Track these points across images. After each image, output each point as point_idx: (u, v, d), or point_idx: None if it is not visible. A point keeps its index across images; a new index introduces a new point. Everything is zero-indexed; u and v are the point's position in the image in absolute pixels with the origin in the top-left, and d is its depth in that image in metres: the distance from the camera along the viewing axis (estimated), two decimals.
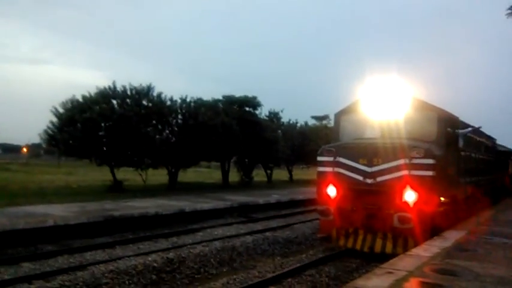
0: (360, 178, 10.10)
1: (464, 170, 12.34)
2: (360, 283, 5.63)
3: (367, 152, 10.07)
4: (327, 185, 10.62)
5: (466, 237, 9.21)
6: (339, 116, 12.02)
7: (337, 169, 10.49)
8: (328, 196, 10.61)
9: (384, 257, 8.61)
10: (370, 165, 9.97)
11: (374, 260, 9.51)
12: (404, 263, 6.76)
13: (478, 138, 14.88)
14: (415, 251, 7.83)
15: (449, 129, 10.89)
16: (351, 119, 11.66)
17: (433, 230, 9.63)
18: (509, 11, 7.58)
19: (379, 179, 9.84)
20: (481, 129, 14.90)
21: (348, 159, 10.33)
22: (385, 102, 10.73)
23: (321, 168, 10.95)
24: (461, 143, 11.70)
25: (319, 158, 10.97)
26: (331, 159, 10.60)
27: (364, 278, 5.87)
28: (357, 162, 10.16)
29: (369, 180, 9.97)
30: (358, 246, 10.13)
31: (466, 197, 12.69)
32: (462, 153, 12.07)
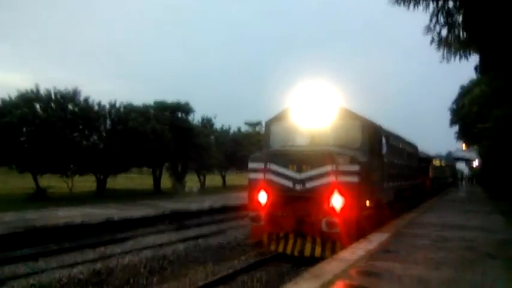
0: (290, 184, 10.25)
1: (388, 176, 12.92)
2: None
3: (296, 158, 10.23)
4: (258, 191, 10.68)
5: (389, 240, 9.68)
6: (269, 123, 12.19)
7: (267, 176, 10.59)
8: (259, 202, 10.67)
9: (313, 261, 8.83)
10: (299, 171, 10.13)
11: (304, 263, 9.70)
12: (331, 266, 6.98)
13: (400, 145, 15.70)
14: (341, 254, 8.11)
15: (373, 137, 11.28)
16: (281, 127, 11.82)
17: (359, 234, 9.99)
18: (425, 30, 8.14)
19: (308, 185, 10.03)
20: (404, 137, 15.80)
21: (278, 165, 10.46)
22: (314, 110, 11.00)
23: (252, 175, 11.01)
24: (384, 150, 12.27)
25: (250, 165, 11.04)
26: (261, 165, 10.70)
27: (292, 283, 5.98)
28: (287, 168, 10.31)
29: (298, 187, 10.14)
30: (288, 251, 10.26)
31: (390, 201, 13.33)
32: (385, 159, 12.62)
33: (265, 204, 10.62)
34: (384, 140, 12.27)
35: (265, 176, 10.63)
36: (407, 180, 16.80)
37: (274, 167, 10.53)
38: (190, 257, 11.47)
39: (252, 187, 10.93)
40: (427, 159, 24.82)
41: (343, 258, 7.66)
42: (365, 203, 10.55)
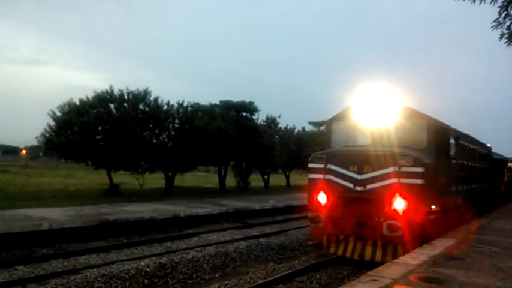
0: (350, 185, 10.13)
1: (456, 178, 12.38)
2: None
3: (358, 159, 10.11)
4: (318, 192, 10.65)
5: (455, 246, 9.30)
6: (330, 123, 12.06)
7: (327, 176, 10.53)
8: (319, 203, 10.64)
9: (375, 265, 8.66)
10: (360, 172, 10.01)
11: (366, 267, 9.57)
12: (390, 270, 6.87)
13: (471, 146, 14.97)
14: (403, 258, 7.94)
15: (439, 137, 10.89)
16: (342, 126, 11.69)
17: (423, 239, 9.64)
18: (494, 23, 7.68)
19: (369, 186, 9.88)
20: (475, 138, 15.03)
21: (339, 166, 10.38)
22: (376, 109, 10.77)
23: (311, 175, 10.98)
24: (452, 151, 11.78)
25: (310, 165, 11.01)
26: (322, 166, 10.65)
27: (348, 285, 5.99)
28: (347, 169, 10.21)
29: (358, 188, 10.01)
30: (348, 254, 10.15)
31: (458, 206, 12.75)
32: (454, 161, 12.11)
33: (325, 206, 10.58)
34: (452, 141, 11.75)
35: (325, 177, 10.58)
36: (479, 183, 15.97)
37: (334, 167, 10.46)
38: (251, 255, 11.72)
39: (311, 187, 10.93)
40: (502, 162, 23.37)
41: (404, 263, 7.50)
42: (430, 207, 10.17)
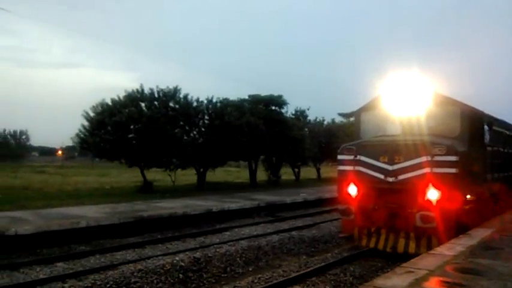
0: (381, 176, 9.95)
1: (491, 166, 11.98)
2: (379, 282, 5.68)
3: (388, 149, 9.93)
4: (348, 184, 10.52)
5: (492, 236, 9.05)
6: (359, 113, 11.89)
7: (357, 167, 10.37)
8: (349, 195, 10.50)
9: (409, 257, 8.52)
10: (391, 163, 9.81)
11: (400, 259, 9.43)
12: (426, 262, 6.75)
13: (507, 132, 14.48)
14: (438, 249, 7.78)
15: (473, 124, 10.58)
16: (371, 116, 11.53)
17: (458, 229, 9.45)
18: None
19: (400, 177, 9.69)
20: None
21: (369, 157, 10.20)
22: (406, 97, 10.53)
23: (341, 167, 10.87)
24: (487, 138, 11.39)
25: (340, 157, 10.89)
26: (351, 157, 10.50)
27: (383, 277, 5.92)
28: (378, 160, 10.03)
29: (390, 179, 9.82)
30: (380, 246, 10.02)
31: (494, 194, 12.37)
32: (489, 148, 11.73)
33: (356, 197, 10.42)
34: (486, 127, 11.36)
35: (355, 168, 10.42)
36: None
37: (364, 158, 10.29)
38: (284, 249, 11.73)
39: (341, 179, 10.80)
40: None
41: (440, 254, 7.35)
42: (465, 196, 9.90)
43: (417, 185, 9.44)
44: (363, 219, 10.28)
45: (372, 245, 10.20)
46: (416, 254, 8.34)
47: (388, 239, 9.95)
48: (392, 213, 9.80)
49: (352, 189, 10.47)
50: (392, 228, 9.86)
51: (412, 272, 6.09)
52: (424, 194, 9.35)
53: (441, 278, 5.86)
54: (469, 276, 5.95)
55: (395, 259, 9.65)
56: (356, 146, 10.62)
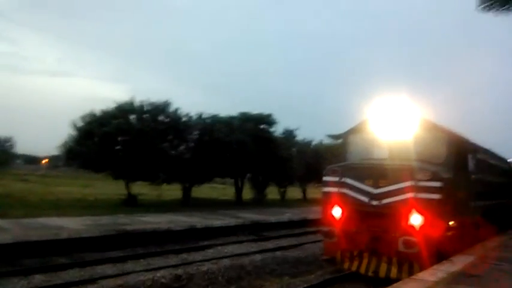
0: (366, 200, 9.86)
1: (475, 194, 12.03)
2: None
3: (373, 172, 9.89)
4: (332, 206, 10.42)
5: (474, 263, 9.11)
6: (346, 135, 11.88)
7: (342, 190, 10.29)
8: (333, 217, 10.40)
9: (390, 282, 8.38)
10: (376, 186, 9.74)
11: (382, 284, 9.41)
12: (407, 287, 6.77)
13: (491, 161, 14.68)
14: (420, 275, 7.81)
15: (459, 151, 10.64)
16: (358, 139, 11.52)
17: (440, 255, 9.38)
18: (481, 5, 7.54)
19: (384, 201, 9.60)
20: (495, 152, 14.72)
21: (354, 179, 10.13)
22: (394, 122, 10.57)
23: (326, 189, 10.77)
24: (472, 166, 11.47)
25: (325, 178, 10.80)
26: (336, 179, 10.41)
27: None
28: (363, 183, 9.96)
29: (374, 202, 9.74)
30: (362, 270, 9.85)
31: (477, 222, 12.41)
32: (473, 176, 11.85)
33: (339, 220, 10.31)
34: (471, 155, 11.46)
35: (339, 190, 10.33)
36: (498, 199, 15.60)
37: (349, 180, 10.21)
38: (267, 269, 11.66)
39: (325, 201, 10.68)
40: None
41: (421, 279, 7.38)
42: (448, 223, 9.88)
43: (401, 209, 9.38)
44: (346, 242, 10.13)
45: (353, 268, 10.03)
46: (398, 279, 8.29)
47: (370, 263, 9.80)
48: (375, 237, 9.71)
49: (336, 211, 10.37)
50: (374, 252, 9.74)
51: None
52: (408, 218, 9.28)
53: None
54: None
55: (377, 283, 9.64)
56: (342, 168, 10.59)
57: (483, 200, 12.88)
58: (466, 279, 7.54)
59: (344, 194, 10.28)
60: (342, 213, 10.30)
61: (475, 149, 11.99)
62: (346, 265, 10.22)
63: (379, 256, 9.68)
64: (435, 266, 8.57)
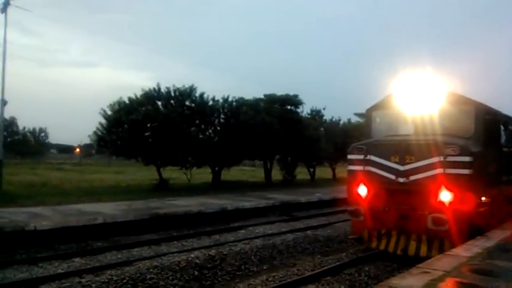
0: (392, 177, 9.61)
1: (508, 168, 11.61)
2: (394, 282, 5.66)
3: (399, 149, 9.59)
4: (358, 184, 10.21)
5: (510, 238, 8.93)
6: (370, 111, 11.52)
7: (368, 167, 10.05)
8: (359, 196, 10.20)
9: (420, 260, 8.01)
10: (402, 163, 9.48)
11: (416, 261, 9.30)
12: (442, 262, 6.69)
13: None
14: (454, 250, 7.70)
15: (488, 123, 10.12)
16: (382, 115, 11.27)
17: (471, 232, 9.11)
18: None
19: (412, 177, 9.35)
20: None
21: (379, 157, 9.86)
22: (419, 96, 10.13)
23: (351, 167, 10.56)
24: (503, 139, 11.01)
25: (349, 156, 10.56)
26: (361, 157, 10.17)
27: (399, 277, 5.89)
28: (389, 160, 9.69)
29: (401, 179, 9.48)
30: (390, 249, 9.69)
31: (509, 196, 11.91)
32: (504, 149, 11.35)
33: (365, 198, 10.11)
34: (502, 127, 10.97)
35: (365, 168, 10.09)
36: None
37: (374, 158, 9.94)
38: (298, 248, 11.75)
39: (351, 180, 10.47)
40: None
41: (456, 255, 7.28)
42: (479, 198, 9.52)
43: (429, 186, 9.13)
44: (373, 220, 9.99)
45: (382, 247, 9.90)
46: (427, 257, 8.10)
47: (398, 242, 9.64)
48: (403, 215, 9.54)
49: (362, 190, 10.18)
50: (403, 231, 9.58)
51: (428, 272, 6.05)
52: (437, 195, 9.04)
53: (457, 279, 5.82)
54: (486, 277, 5.89)
55: (410, 261, 9.55)
56: (366, 146, 10.30)
57: None
58: (502, 254, 7.40)
59: (369, 172, 10.05)
60: (368, 191, 10.10)
61: (506, 120, 11.44)
62: (374, 244, 10.10)
63: (407, 234, 9.51)
64: (470, 242, 8.41)
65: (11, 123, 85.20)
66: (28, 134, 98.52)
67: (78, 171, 42.07)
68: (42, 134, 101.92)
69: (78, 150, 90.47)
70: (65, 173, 38.21)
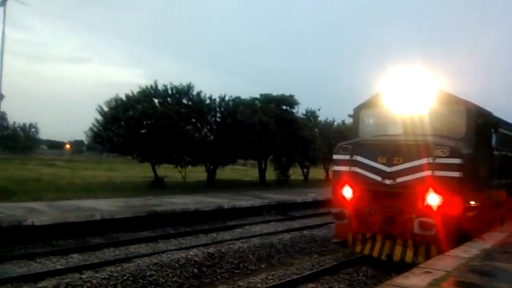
0: (379, 178, 9.23)
1: (499, 171, 11.28)
2: (397, 281, 5.75)
3: (387, 149, 9.22)
4: (343, 186, 9.81)
5: (506, 240, 9.07)
6: (358, 110, 11.13)
7: (353, 168, 9.66)
8: (344, 198, 9.81)
9: (405, 266, 7.77)
10: (389, 164, 9.10)
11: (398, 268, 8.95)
12: (442, 263, 6.81)
13: None
14: (453, 251, 7.82)
15: (480, 125, 9.76)
16: (371, 114, 10.95)
17: (460, 237, 8.86)
18: None
19: (399, 179, 8.97)
20: None
21: (366, 157, 9.48)
22: (409, 95, 9.77)
23: (336, 167, 10.13)
24: (494, 141, 10.71)
25: (335, 156, 10.13)
26: (347, 157, 9.78)
27: (402, 277, 5.97)
28: (375, 161, 9.32)
29: (387, 181, 9.11)
30: (375, 254, 9.30)
31: (501, 201, 11.80)
32: (496, 152, 10.98)
33: (350, 200, 9.72)
34: (493, 130, 10.64)
35: (350, 169, 9.71)
36: None
37: (360, 158, 9.58)
38: (295, 247, 11.84)
39: (336, 181, 10.06)
40: None
41: (455, 256, 7.40)
42: (468, 202, 9.15)
43: (417, 188, 8.75)
44: (358, 223, 9.61)
45: (366, 251, 9.51)
46: (413, 264, 7.93)
47: (383, 246, 9.26)
48: (389, 218, 9.16)
49: (347, 192, 9.78)
50: (388, 234, 9.21)
51: (430, 272, 6.16)
52: (424, 198, 8.67)
53: (459, 279, 5.93)
54: (486, 278, 6.01)
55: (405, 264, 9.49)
56: (352, 145, 9.92)
57: (507, 177, 12.26)
58: (501, 255, 7.53)
59: (355, 173, 9.66)
60: (353, 193, 9.72)
61: (497, 123, 11.10)
62: (358, 248, 9.73)
63: (393, 239, 9.17)
64: (467, 243, 8.51)
65: (0, 118, 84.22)
66: (18, 129, 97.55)
67: (69, 167, 41.72)
68: (33, 130, 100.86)
69: (68, 146, 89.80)
70: (56, 169, 37.90)
